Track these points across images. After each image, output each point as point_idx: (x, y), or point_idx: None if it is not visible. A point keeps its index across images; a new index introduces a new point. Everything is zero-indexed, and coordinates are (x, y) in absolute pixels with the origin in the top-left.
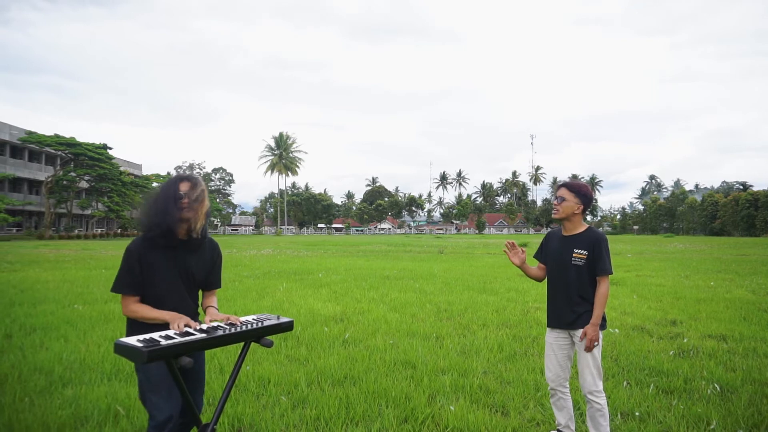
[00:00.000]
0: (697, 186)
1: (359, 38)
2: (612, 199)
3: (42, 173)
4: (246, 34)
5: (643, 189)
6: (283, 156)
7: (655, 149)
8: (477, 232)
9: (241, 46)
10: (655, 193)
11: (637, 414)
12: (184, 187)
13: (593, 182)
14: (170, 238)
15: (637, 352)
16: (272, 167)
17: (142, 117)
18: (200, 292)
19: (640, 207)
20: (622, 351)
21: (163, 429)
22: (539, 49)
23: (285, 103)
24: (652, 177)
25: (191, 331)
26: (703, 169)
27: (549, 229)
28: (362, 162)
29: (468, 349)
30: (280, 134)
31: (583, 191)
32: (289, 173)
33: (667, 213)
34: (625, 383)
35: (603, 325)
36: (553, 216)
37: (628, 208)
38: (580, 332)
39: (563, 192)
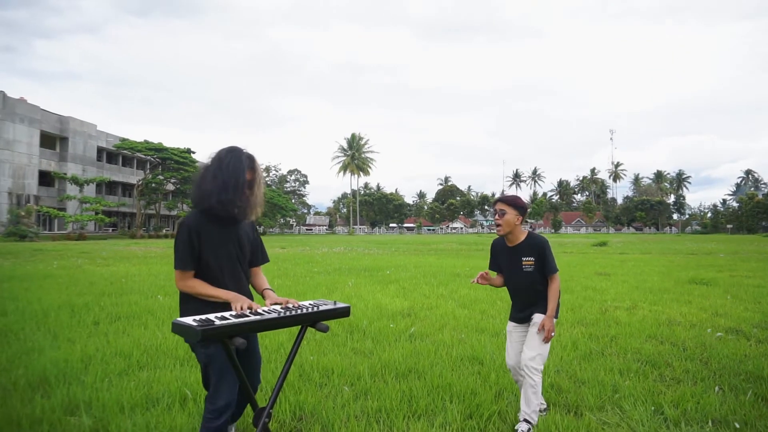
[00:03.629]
0: None
1: (430, 39)
2: (702, 197)
3: (134, 177)
4: (320, 39)
5: (737, 185)
6: (355, 156)
7: (753, 143)
8: (553, 231)
9: (315, 51)
10: (752, 189)
11: (730, 420)
12: (249, 175)
13: (680, 178)
14: (229, 216)
15: (732, 356)
16: (345, 168)
17: (222, 123)
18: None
19: (735, 204)
20: (713, 354)
21: (222, 414)
22: (622, 39)
23: (357, 105)
24: (748, 172)
25: (246, 313)
26: None
27: (630, 228)
28: (434, 162)
29: None
30: (353, 135)
31: (519, 203)
32: (361, 173)
33: (767, 210)
34: (717, 388)
35: (555, 315)
36: (497, 232)
37: (720, 205)
38: (535, 316)
39: (502, 206)
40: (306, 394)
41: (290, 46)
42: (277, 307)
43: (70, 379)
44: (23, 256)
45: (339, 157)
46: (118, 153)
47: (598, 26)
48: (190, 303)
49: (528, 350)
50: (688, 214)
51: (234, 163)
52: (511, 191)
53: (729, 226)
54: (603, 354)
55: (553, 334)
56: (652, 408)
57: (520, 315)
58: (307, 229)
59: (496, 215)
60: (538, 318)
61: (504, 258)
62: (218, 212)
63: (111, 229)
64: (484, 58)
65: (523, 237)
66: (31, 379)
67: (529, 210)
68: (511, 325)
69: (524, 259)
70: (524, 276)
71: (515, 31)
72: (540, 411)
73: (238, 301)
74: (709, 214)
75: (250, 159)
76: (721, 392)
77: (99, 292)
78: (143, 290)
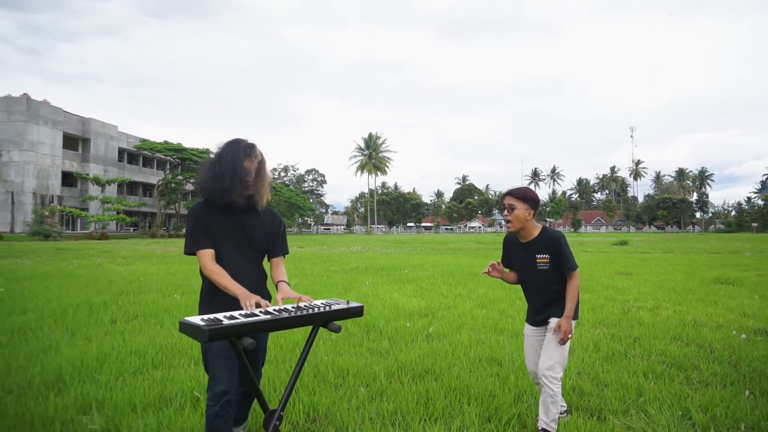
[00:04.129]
0: None
1: (446, 37)
2: (726, 195)
3: (154, 177)
4: (334, 38)
5: (762, 182)
6: (372, 156)
7: None
8: (572, 230)
9: (330, 50)
10: None
11: (763, 427)
12: (248, 164)
13: (703, 176)
14: (231, 204)
15: (762, 359)
16: (362, 167)
17: (239, 122)
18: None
19: (760, 202)
20: (742, 356)
21: (220, 400)
22: (641, 35)
23: (373, 104)
24: None
25: (256, 312)
26: None
27: (651, 227)
28: (451, 161)
29: None
30: (370, 134)
31: (529, 195)
32: (379, 173)
33: None
34: (747, 393)
35: (575, 316)
36: (508, 229)
37: (744, 203)
38: (551, 321)
39: (511, 200)
40: (320, 395)
41: (305, 45)
42: (289, 306)
43: (84, 378)
44: (46, 255)
45: (356, 156)
46: (139, 154)
47: (616, 23)
48: (208, 295)
49: (546, 359)
50: (712, 213)
51: (232, 154)
52: None
53: (754, 224)
54: (626, 356)
55: (570, 335)
56: (680, 412)
57: (537, 317)
58: (324, 229)
59: (505, 210)
60: (554, 323)
61: (517, 255)
62: (217, 200)
63: (132, 228)
64: (500, 56)
65: (536, 232)
66: (46, 377)
67: (541, 204)
68: (528, 329)
69: (538, 256)
70: (539, 275)
71: (532, 28)
72: (561, 413)
73: (247, 299)
74: (733, 213)
75: (249, 148)
76: (752, 397)
77: (117, 291)
78: (161, 289)
